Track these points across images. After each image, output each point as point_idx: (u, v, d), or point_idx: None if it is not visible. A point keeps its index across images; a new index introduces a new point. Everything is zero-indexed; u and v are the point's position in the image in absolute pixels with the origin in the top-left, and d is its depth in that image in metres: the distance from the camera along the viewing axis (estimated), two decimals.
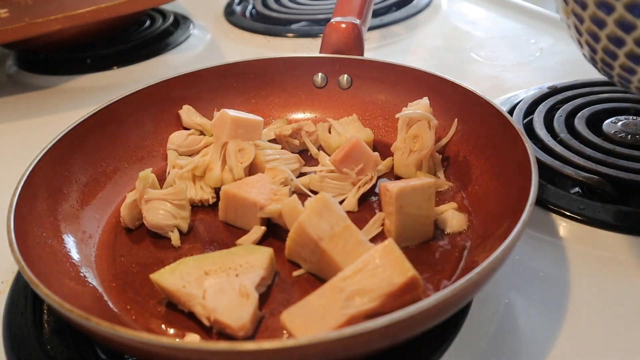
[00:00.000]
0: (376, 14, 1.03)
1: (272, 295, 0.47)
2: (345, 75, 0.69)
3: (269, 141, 0.64)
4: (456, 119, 0.61)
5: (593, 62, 0.42)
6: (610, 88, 0.72)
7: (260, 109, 0.69)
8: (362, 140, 0.57)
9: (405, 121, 0.58)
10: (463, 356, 0.43)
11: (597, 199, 0.56)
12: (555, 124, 0.65)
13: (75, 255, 0.51)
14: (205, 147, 0.63)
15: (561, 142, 0.62)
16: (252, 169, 0.58)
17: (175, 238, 0.53)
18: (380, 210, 0.53)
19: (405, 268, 0.41)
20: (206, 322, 0.43)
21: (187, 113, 0.67)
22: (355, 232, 0.46)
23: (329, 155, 0.60)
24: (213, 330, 0.44)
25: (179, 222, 0.53)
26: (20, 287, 0.51)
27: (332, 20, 0.72)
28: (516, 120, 0.58)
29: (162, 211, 0.52)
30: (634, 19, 0.35)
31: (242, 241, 0.52)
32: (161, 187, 0.57)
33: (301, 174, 0.60)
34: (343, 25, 0.71)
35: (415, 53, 0.92)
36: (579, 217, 0.54)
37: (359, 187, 0.56)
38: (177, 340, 0.43)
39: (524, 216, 0.41)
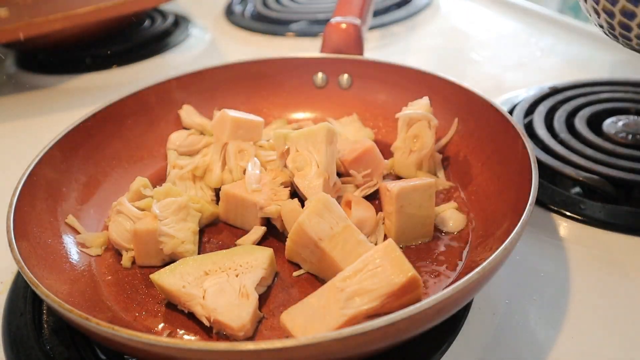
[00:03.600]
0: (376, 14, 1.03)
1: (272, 295, 0.47)
2: (346, 75, 0.69)
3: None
4: (456, 119, 0.61)
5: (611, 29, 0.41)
6: (611, 88, 0.72)
7: (260, 109, 0.69)
8: (375, 145, 0.57)
9: (406, 121, 0.58)
10: (464, 356, 0.43)
11: (598, 199, 0.56)
12: (555, 123, 0.65)
13: (74, 255, 0.51)
14: (205, 147, 0.63)
15: (561, 142, 0.62)
16: None
17: (126, 259, 0.51)
18: (381, 210, 0.53)
19: (405, 268, 0.41)
20: (206, 322, 0.43)
21: (187, 113, 0.67)
22: (355, 232, 0.46)
23: None
24: (213, 331, 0.44)
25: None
26: (19, 287, 0.51)
27: (332, 20, 0.72)
28: (516, 120, 0.58)
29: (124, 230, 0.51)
30: None
31: (242, 241, 0.52)
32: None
33: None
34: (343, 26, 0.71)
35: (415, 53, 0.92)
36: (579, 217, 0.54)
37: (362, 190, 0.55)
38: (177, 340, 0.43)
39: (524, 216, 0.41)
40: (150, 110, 0.66)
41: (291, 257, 0.50)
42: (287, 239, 0.49)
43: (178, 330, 0.45)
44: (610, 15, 0.36)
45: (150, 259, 0.50)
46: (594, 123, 0.65)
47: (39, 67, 0.97)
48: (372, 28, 0.98)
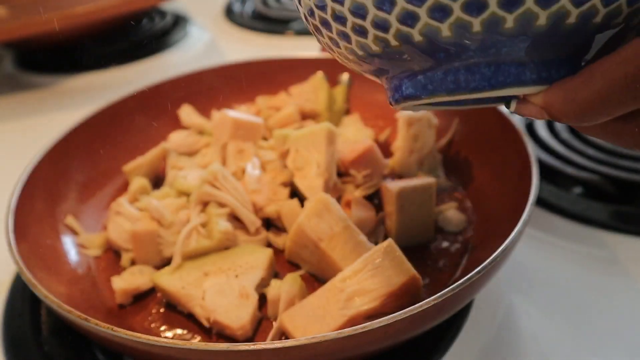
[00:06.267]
0: None
1: None
2: (346, 75, 0.69)
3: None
4: (456, 119, 0.60)
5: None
6: None
7: (260, 109, 0.69)
8: (375, 145, 0.56)
9: (406, 121, 0.58)
10: (464, 356, 0.42)
11: (599, 199, 0.55)
12: (556, 123, 0.65)
13: (74, 255, 0.50)
14: (204, 147, 0.63)
15: (563, 142, 0.62)
16: None
17: (125, 259, 0.50)
18: (381, 210, 0.53)
19: (405, 268, 0.41)
20: (206, 323, 0.43)
21: (187, 113, 0.67)
22: (355, 233, 0.46)
23: None
24: (213, 331, 0.44)
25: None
26: (18, 288, 0.50)
27: None
28: (516, 120, 0.58)
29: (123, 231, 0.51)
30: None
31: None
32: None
33: None
34: None
35: None
36: (580, 217, 0.54)
37: (362, 190, 0.55)
38: (177, 340, 0.43)
39: (525, 216, 0.41)
40: (150, 110, 0.66)
41: (291, 258, 0.49)
42: (287, 240, 0.48)
43: (177, 330, 0.45)
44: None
45: (149, 259, 0.50)
46: None
47: (39, 67, 0.97)
48: None
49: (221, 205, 0.50)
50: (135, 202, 0.54)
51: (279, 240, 0.51)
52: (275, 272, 0.49)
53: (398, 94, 0.30)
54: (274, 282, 0.45)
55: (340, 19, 0.28)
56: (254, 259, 0.47)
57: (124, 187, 0.59)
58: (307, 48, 0.95)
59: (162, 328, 0.45)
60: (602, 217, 0.53)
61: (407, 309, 0.34)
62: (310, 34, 0.99)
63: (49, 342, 0.45)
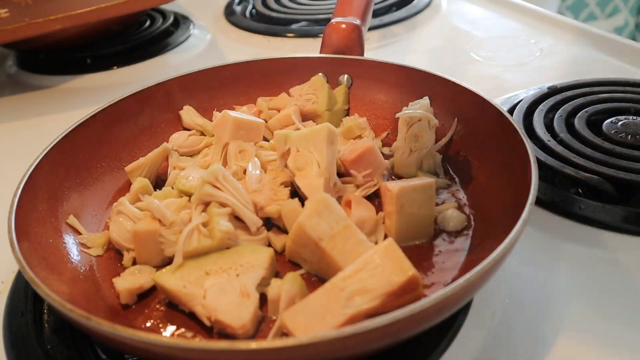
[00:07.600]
0: (376, 14, 1.03)
1: None
2: (346, 75, 0.70)
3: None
4: (456, 119, 0.61)
5: None
6: (610, 88, 0.72)
7: (260, 109, 0.69)
8: (375, 146, 0.57)
9: (406, 121, 0.58)
10: (463, 355, 0.43)
11: (597, 199, 0.56)
12: (555, 124, 0.65)
13: (75, 255, 0.51)
14: (205, 148, 0.63)
15: (561, 142, 0.62)
16: None
17: (127, 259, 0.51)
18: (381, 210, 0.53)
19: (405, 267, 0.41)
20: (207, 322, 0.43)
21: (188, 114, 0.67)
22: (355, 232, 0.46)
23: None
24: (214, 330, 0.44)
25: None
26: (20, 287, 0.51)
27: (333, 20, 0.72)
28: (516, 120, 0.58)
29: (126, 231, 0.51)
30: None
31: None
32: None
33: None
34: (343, 26, 0.71)
35: (415, 53, 0.93)
36: (579, 217, 0.54)
37: (362, 190, 0.56)
38: (178, 339, 0.43)
39: (524, 215, 0.42)
40: (151, 111, 0.66)
41: (291, 257, 0.50)
42: (287, 239, 0.49)
43: (179, 329, 0.45)
44: None
45: (151, 259, 0.50)
46: (594, 123, 0.65)
47: (40, 67, 0.97)
48: (372, 28, 0.98)
49: (222, 205, 0.50)
50: (137, 202, 0.54)
51: (278, 243, 0.51)
52: (275, 272, 0.49)
53: None
54: (275, 282, 0.46)
55: None
56: (254, 258, 0.47)
57: (125, 187, 0.59)
58: (307, 49, 0.96)
59: (164, 327, 0.45)
60: (601, 217, 0.53)
61: (407, 307, 0.34)
62: (310, 36, 0.99)
63: (51, 340, 0.45)
